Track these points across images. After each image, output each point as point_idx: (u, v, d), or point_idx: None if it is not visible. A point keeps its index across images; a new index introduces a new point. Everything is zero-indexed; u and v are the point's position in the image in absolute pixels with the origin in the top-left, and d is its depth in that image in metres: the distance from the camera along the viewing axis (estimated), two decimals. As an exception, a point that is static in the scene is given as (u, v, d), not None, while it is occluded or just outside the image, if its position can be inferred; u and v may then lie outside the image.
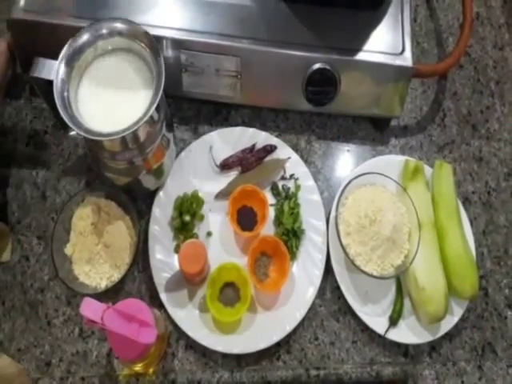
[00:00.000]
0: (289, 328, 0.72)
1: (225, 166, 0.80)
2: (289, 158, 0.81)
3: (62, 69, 0.61)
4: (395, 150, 0.87)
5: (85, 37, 0.63)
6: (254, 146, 0.81)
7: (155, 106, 0.60)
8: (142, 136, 0.64)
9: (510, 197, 0.86)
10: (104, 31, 0.63)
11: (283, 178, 0.81)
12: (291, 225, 0.77)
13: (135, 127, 0.60)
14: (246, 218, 0.76)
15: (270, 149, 0.81)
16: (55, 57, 0.62)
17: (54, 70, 0.61)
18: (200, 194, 0.78)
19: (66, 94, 0.61)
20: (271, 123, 0.86)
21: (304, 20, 0.76)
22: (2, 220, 0.76)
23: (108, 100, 0.63)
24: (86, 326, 0.72)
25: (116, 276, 0.72)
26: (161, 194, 0.78)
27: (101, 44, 0.64)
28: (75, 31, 0.63)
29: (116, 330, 0.57)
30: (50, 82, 0.61)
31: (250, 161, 0.80)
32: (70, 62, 0.62)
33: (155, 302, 0.73)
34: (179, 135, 0.83)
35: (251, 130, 0.82)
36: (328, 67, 0.75)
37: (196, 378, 0.71)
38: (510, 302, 0.80)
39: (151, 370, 0.71)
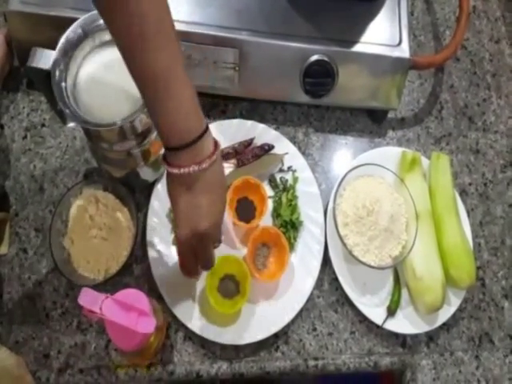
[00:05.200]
0: (287, 319, 0.72)
1: (221, 156, 0.80)
2: (286, 153, 0.81)
3: (60, 59, 0.61)
4: (392, 142, 0.87)
5: (82, 27, 0.63)
6: (252, 140, 0.81)
7: (153, 96, 0.60)
8: (139, 127, 0.64)
9: (506, 188, 0.86)
10: (102, 22, 0.63)
11: (281, 170, 0.81)
12: (289, 216, 0.77)
13: (133, 117, 0.60)
14: (244, 210, 0.76)
15: (267, 148, 0.80)
16: (53, 49, 0.61)
17: (51, 60, 0.60)
18: (198, 186, 0.78)
19: (63, 84, 0.61)
20: (269, 116, 0.86)
21: (302, 11, 0.76)
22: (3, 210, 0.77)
23: (106, 90, 0.63)
24: (84, 316, 0.72)
25: (114, 268, 0.72)
26: (159, 186, 0.78)
27: (99, 35, 0.63)
28: (73, 23, 0.63)
29: (115, 320, 0.57)
30: (47, 73, 0.61)
31: (246, 157, 0.80)
32: (68, 53, 0.62)
33: (154, 293, 0.73)
34: (177, 128, 0.83)
35: (249, 122, 0.82)
36: (326, 59, 0.75)
37: (195, 369, 0.71)
38: (507, 292, 0.80)
39: (150, 362, 0.71)
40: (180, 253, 0.63)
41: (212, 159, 0.54)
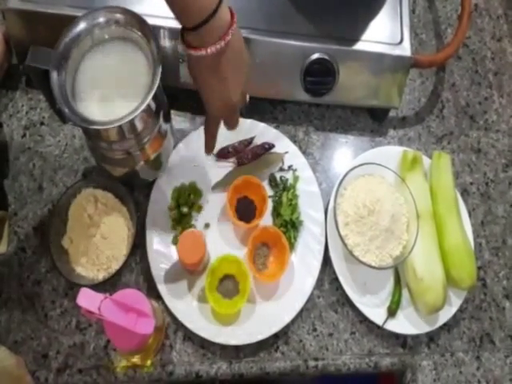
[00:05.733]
0: (287, 319, 0.72)
1: (221, 155, 0.79)
2: (286, 152, 0.81)
3: (59, 58, 0.60)
4: (393, 141, 0.86)
5: (81, 26, 0.62)
6: (252, 139, 0.81)
7: (152, 95, 0.59)
8: (139, 125, 0.64)
9: (508, 188, 0.86)
10: (101, 20, 0.62)
11: (281, 170, 0.81)
12: (289, 216, 0.76)
13: (132, 116, 0.59)
14: (244, 209, 0.76)
15: (267, 147, 0.80)
16: (52, 47, 0.61)
17: (50, 58, 0.60)
18: (198, 186, 0.78)
19: (62, 83, 0.60)
20: (269, 115, 0.86)
21: (302, 9, 0.76)
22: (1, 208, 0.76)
23: (105, 89, 0.63)
24: (83, 317, 0.71)
25: (113, 267, 0.72)
26: (158, 185, 0.77)
27: (98, 33, 0.63)
28: (72, 20, 0.62)
29: (113, 321, 0.57)
30: (46, 71, 0.60)
31: (246, 156, 0.79)
32: (67, 51, 0.61)
33: (153, 293, 0.73)
34: (177, 126, 0.83)
35: (249, 121, 0.82)
36: (326, 57, 0.74)
37: (194, 369, 0.71)
38: (508, 292, 0.80)
39: (149, 362, 0.71)
40: (208, 127, 0.68)
41: (233, 29, 0.55)
